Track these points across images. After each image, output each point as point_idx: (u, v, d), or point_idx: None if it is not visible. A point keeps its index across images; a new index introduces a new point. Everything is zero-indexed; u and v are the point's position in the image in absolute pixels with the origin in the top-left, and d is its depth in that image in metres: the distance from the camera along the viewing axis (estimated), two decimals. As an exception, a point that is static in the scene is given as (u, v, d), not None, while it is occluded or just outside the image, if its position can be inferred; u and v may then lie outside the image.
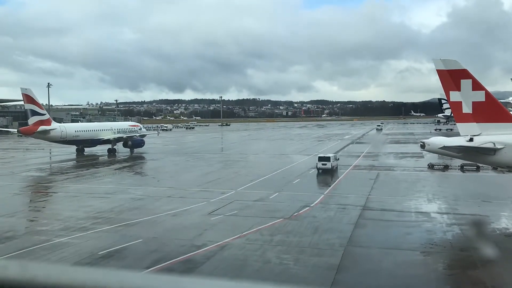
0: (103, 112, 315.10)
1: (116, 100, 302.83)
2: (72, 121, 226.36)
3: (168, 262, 21.97)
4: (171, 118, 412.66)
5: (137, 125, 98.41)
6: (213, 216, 31.65)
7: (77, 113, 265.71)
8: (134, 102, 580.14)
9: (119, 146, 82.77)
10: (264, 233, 27.26)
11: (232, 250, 24.10)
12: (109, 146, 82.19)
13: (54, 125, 77.53)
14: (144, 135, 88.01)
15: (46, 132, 74.76)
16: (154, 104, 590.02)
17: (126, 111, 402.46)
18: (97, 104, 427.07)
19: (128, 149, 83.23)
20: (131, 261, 22.45)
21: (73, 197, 41.04)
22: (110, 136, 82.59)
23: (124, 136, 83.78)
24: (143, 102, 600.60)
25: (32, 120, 74.23)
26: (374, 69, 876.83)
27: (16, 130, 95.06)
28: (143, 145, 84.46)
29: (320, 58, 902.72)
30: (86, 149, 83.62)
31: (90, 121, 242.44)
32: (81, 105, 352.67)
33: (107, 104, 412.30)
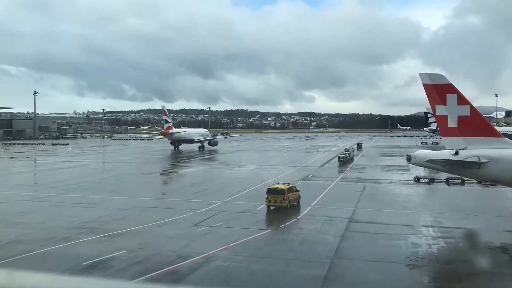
0: (90, 121, 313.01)
1: (103, 109, 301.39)
2: (58, 129, 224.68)
3: (152, 274, 21.72)
4: (158, 127, 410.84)
5: (207, 131, 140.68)
6: (199, 227, 31.44)
7: (63, 121, 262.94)
8: (121, 111, 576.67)
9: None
10: (250, 245, 27.14)
11: (218, 261, 23.91)
12: (198, 144, 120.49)
13: (175, 130, 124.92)
14: (216, 138, 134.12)
15: (173, 134, 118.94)
16: (141, 113, 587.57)
17: (113, 120, 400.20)
18: (83, 112, 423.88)
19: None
20: (115, 272, 22.13)
21: (56, 206, 40.54)
22: (198, 138, 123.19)
23: (206, 139, 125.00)
24: (130, 112, 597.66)
25: (166, 126, 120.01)
26: (363, 80, 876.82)
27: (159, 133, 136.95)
28: (217, 144, 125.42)
29: (308, 68, 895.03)
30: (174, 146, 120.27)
31: (77, 130, 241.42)
32: (68, 113, 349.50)
33: (94, 113, 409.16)
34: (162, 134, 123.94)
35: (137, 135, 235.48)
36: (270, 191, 38.45)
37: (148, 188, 52.70)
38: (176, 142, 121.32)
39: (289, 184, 40.57)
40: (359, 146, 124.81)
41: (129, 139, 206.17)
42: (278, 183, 41.59)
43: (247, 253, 25.50)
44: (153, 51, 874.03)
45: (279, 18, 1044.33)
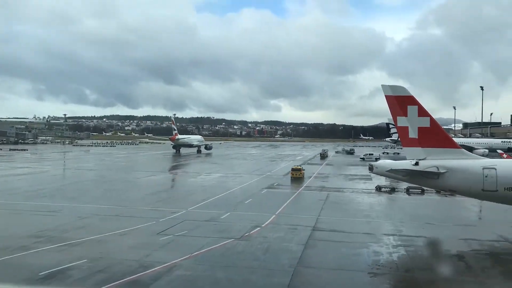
0: (51, 126, 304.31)
1: (64, 115, 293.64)
2: (17, 134, 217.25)
3: (113, 283, 21.19)
4: (121, 134, 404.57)
5: (202, 138, 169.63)
6: (162, 236, 30.99)
7: (22, 126, 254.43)
8: (83, 117, 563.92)
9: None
10: (214, 254, 26.94)
11: (181, 271, 23.61)
12: (196, 148, 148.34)
13: (180, 136, 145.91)
14: (211, 143, 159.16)
15: (180, 139, 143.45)
16: (104, 119, 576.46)
17: (75, 125, 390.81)
18: (44, 117, 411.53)
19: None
20: (74, 282, 21.49)
21: (13, 214, 39.11)
22: (196, 143, 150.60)
23: (203, 144, 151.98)
24: (93, 117, 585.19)
25: (174, 133, 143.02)
26: (328, 90, 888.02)
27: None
28: (212, 148, 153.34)
29: (274, 76, 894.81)
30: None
31: (36, 136, 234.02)
32: (27, 118, 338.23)
33: (55, 118, 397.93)
34: (171, 139, 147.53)
35: (150, 141, 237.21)
36: (293, 169, 73.84)
37: (110, 195, 51.60)
38: (178, 146, 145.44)
39: (301, 166, 79.27)
40: (351, 151, 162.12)
41: (91, 146, 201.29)
42: (296, 165, 78.15)
43: (210, 262, 25.29)
44: (115, 55, 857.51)
45: (243, 25, 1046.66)
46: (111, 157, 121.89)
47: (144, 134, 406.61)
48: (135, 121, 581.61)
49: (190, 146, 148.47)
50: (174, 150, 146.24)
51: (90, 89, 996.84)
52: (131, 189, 58.15)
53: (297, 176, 71.11)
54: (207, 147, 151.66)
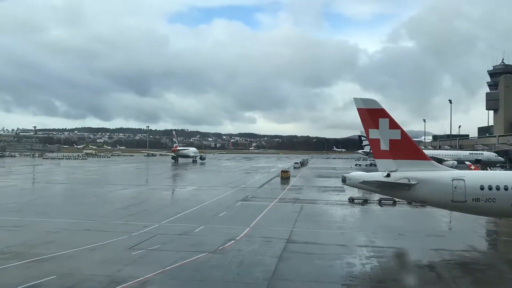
0: (20, 139, 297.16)
1: (34, 127, 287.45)
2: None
3: (83, 300, 20.68)
4: (93, 147, 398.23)
5: (197, 150, 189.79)
6: (135, 251, 30.44)
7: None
8: (54, 129, 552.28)
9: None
10: (187, 268, 26.62)
11: (154, 286, 23.22)
12: (192, 159, 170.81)
13: (180, 148, 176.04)
14: (204, 155, 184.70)
15: (180, 151, 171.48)
16: (76, 132, 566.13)
17: (45, 138, 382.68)
18: (13, 130, 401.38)
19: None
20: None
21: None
22: (192, 154, 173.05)
23: (198, 155, 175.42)
24: (64, 130, 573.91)
25: (174, 145, 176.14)
26: (301, 103, 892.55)
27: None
28: (205, 159, 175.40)
29: (248, 88, 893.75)
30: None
31: (4, 148, 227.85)
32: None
33: (24, 130, 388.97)
34: (173, 151, 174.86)
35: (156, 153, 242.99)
36: (282, 171, 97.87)
37: (81, 209, 50.45)
38: (177, 157, 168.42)
39: (288, 168, 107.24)
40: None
41: (62, 158, 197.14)
42: (284, 168, 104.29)
43: (184, 277, 24.97)
44: (86, 65, 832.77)
45: (216, 37, 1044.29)
46: (83, 170, 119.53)
47: (116, 147, 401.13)
48: (107, 134, 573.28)
49: (187, 157, 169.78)
50: (173, 160, 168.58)
51: (61, 101, 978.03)
52: (103, 203, 57.06)
53: (285, 176, 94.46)
54: (202, 158, 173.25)
